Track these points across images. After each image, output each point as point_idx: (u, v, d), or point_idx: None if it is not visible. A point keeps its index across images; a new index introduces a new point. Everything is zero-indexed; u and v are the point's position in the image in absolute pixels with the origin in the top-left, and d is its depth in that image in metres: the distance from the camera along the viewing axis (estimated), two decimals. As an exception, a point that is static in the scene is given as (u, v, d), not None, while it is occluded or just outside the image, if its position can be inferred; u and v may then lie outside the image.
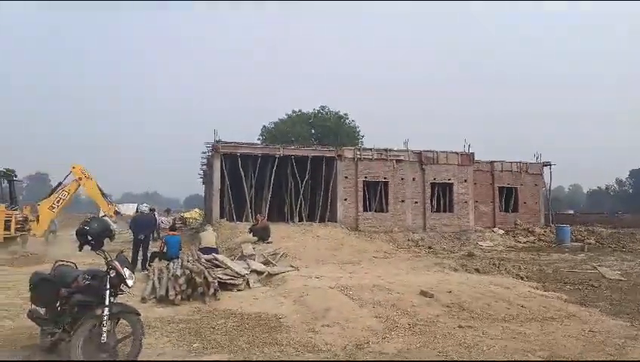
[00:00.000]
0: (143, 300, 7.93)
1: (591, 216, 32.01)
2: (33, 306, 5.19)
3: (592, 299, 8.61)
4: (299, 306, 7.57)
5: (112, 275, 4.63)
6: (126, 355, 4.61)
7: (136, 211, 14.17)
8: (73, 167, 16.30)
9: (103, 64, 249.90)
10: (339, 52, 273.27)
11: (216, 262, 9.54)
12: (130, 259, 7.23)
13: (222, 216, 20.96)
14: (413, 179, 23.16)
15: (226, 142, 21.11)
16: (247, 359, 5.03)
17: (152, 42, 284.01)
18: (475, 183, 24.35)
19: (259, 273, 10.31)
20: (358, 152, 22.68)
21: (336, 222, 21.47)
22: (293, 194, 22.43)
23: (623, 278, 11.22)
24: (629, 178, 65.73)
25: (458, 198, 23.68)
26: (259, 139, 41.41)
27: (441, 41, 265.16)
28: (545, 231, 23.65)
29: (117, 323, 4.76)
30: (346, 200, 22.05)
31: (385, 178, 22.73)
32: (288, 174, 22.36)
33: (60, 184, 16.36)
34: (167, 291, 7.97)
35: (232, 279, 9.01)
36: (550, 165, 26.36)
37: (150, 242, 12.97)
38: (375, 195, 22.85)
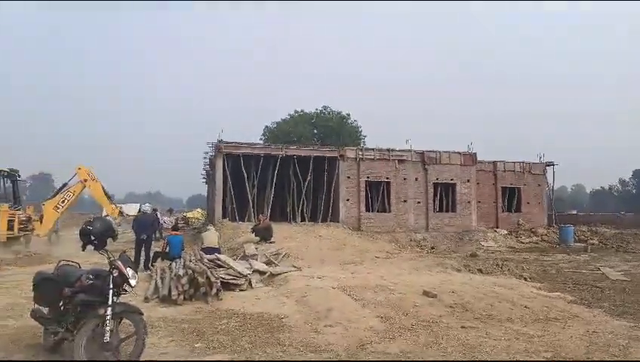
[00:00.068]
0: (146, 300, 7.95)
1: (594, 216, 31.90)
2: (36, 306, 5.21)
3: (595, 300, 8.58)
4: (301, 306, 7.57)
5: (115, 275, 4.64)
6: (129, 355, 4.62)
7: (139, 211, 14.19)
8: (79, 169, 16.29)
9: (103, 64, 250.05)
10: (339, 52, 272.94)
11: (219, 262, 9.54)
12: (132, 259, 7.25)
13: (224, 216, 20.98)
14: (416, 179, 23.12)
15: (229, 142, 21.12)
16: (249, 359, 5.03)
17: (152, 42, 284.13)
18: (477, 183, 24.29)
19: (261, 273, 10.32)
20: (360, 152, 22.66)
21: (338, 222, 21.45)
22: (296, 194, 22.43)
23: (626, 279, 11.18)
24: (633, 178, 65.47)
25: (461, 198, 23.63)
26: (261, 139, 41.42)
27: (441, 41, 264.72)
28: (548, 232, 23.59)
29: (120, 322, 4.78)
30: (348, 200, 22.03)
31: (387, 178, 22.71)
32: (290, 174, 22.36)
33: (65, 185, 16.38)
34: (169, 291, 7.99)
35: (234, 279, 9.02)
36: (553, 165, 26.29)
37: (153, 242, 13.00)
38: (377, 195, 22.82)
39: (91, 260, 7.21)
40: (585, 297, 8.85)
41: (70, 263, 5.36)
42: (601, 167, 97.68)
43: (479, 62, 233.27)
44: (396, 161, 22.78)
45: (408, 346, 5.51)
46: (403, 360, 5.07)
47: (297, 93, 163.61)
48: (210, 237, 12.28)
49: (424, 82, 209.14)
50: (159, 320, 6.55)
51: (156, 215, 19.26)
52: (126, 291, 4.84)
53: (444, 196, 23.75)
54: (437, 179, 23.35)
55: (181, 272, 8.29)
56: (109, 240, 4.96)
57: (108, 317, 4.44)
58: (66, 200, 16.07)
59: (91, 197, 18.36)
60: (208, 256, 9.89)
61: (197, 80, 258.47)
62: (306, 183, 22.06)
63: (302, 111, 42.38)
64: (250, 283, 9.25)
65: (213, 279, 8.15)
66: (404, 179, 22.92)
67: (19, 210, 16.23)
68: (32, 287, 5.20)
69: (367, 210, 22.35)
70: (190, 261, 9.10)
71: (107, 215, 15.55)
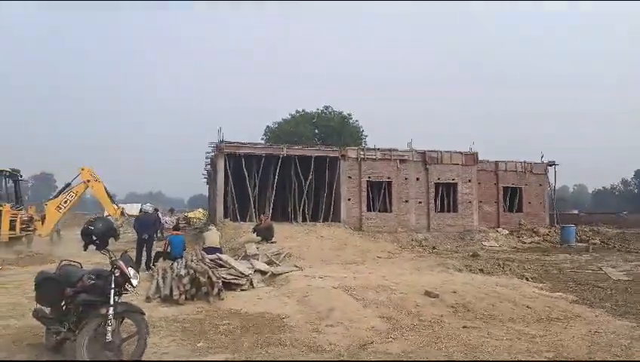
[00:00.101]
0: (148, 299, 7.96)
1: (596, 216, 31.83)
2: (38, 305, 5.21)
3: (597, 300, 8.56)
4: (302, 306, 7.57)
5: (116, 275, 4.65)
6: (131, 354, 4.62)
7: (140, 211, 14.20)
8: (82, 169, 16.30)
9: (103, 64, 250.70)
10: (339, 52, 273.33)
11: (220, 262, 9.55)
12: (134, 259, 7.26)
13: (226, 216, 20.98)
14: (417, 179, 23.11)
15: (230, 142, 21.13)
16: (250, 359, 5.03)
17: (152, 42, 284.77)
18: (479, 183, 24.27)
19: (262, 273, 10.33)
20: (361, 152, 22.65)
21: (339, 222, 21.45)
22: (297, 194, 22.43)
23: (628, 279, 11.15)
24: (635, 178, 65.37)
25: (462, 198, 23.61)
26: (262, 139, 41.45)
27: (441, 41, 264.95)
28: (549, 232, 23.54)
29: (122, 322, 4.79)
30: (349, 200, 22.03)
31: (389, 178, 22.70)
32: (292, 174, 22.36)
33: (68, 185, 16.40)
34: (171, 291, 7.99)
35: (235, 279, 9.02)
36: (555, 165, 26.24)
37: (154, 242, 13.02)
38: (379, 195, 22.81)
39: (93, 260, 7.24)
40: (587, 297, 8.83)
41: (72, 263, 5.37)
42: (602, 167, 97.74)
43: (479, 62, 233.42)
44: (397, 161, 22.76)
45: (410, 346, 5.50)
46: (405, 360, 5.07)
47: (297, 93, 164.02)
48: (212, 237, 12.30)
49: (424, 82, 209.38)
50: (161, 320, 6.56)
51: (157, 215, 19.29)
52: (128, 291, 4.85)
53: (446, 196, 23.73)
54: (438, 179, 23.34)
55: (183, 272, 8.29)
56: (111, 240, 4.96)
57: (110, 317, 4.44)
58: (68, 201, 16.08)
59: (93, 198, 18.37)
60: (210, 256, 9.90)
61: (197, 80, 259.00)
62: (308, 183, 22.06)
63: (303, 111, 42.43)
64: (251, 283, 9.25)
65: (214, 279, 8.16)
66: (406, 179, 22.91)
67: (21, 210, 16.27)
68: (33, 287, 5.21)
69: (369, 209, 22.35)
70: (192, 261, 9.10)
71: (109, 215, 15.58)
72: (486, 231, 23.12)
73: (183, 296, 7.88)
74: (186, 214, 38.77)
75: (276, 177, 21.77)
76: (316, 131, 41.15)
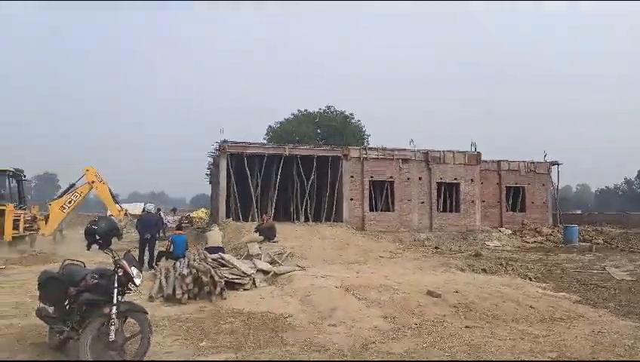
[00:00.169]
0: (151, 299, 7.98)
1: (599, 215, 31.72)
2: (42, 305, 5.23)
3: (600, 300, 8.53)
4: (305, 306, 7.57)
5: (119, 274, 4.66)
6: (134, 353, 4.63)
7: (143, 211, 14.24)
8: (87, 170, 16.33)
9: (103, 64, 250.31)
10: (339, 52, 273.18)
11: (223, 262, 9.55)
12: (137, 259, 7.26)
13: (228, 216, 21.01)
14: (420, 178, 23.09)
15: (233, 142, 21.16)
16: (253, 358, 5.03)
17: (152, 42, 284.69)
18: (481, 183, 24.23)
19: (265, 272, 10.32)
20: (364, 152, 22.65)
21: (342, 221, 21.46)
22: (299, 194, 22.45)
23: (632, 278, 11.11)
24: (638, 178, 65.13)
25: (465, 198, 23.58)
26: (265, 138, 41.48)
27: (441, 41, 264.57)
28: (553, 231, 23.48)
29: (125, 321, 4.79)
30: (352, 199, 22.03)
31: (391, 177, 22.69)
32: (294, 174, 22.37)
33: (72, 185, 16.44)
34: (174, 290, 8.01)
35: (238, 278, 9.02)
36: (558, 164, 26.17)
37: (157, 241, 13.05)
38: (381, 195, 22.81)
39: (96, 259, 7.25)
40: (590, 297, 8.80)
41: (75, 262, 5.39)
42: (602, 167, 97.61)
43: (479, 62, 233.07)
44: (400, 161, 22.75)
45: (412, 346, 5.49)
46: (407, 359, 5.06)
47: (297, 93, 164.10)
48: (214, 236, 12.31)
49: (424, 82, 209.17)
50: (164, 319, 6.58)
51: (160, 214, 19.35)
52: (131, 290, 4.86)
53: (448, 196, 23.70)
54: (441, 178, 23.32)
55: (185, 271, 8.31)
56: (114, 239, 4.97)
57: (113, 316, 4.45)
58: (72, 201, 16.14)
59: (96, 198, 18.42)
60: (212, 256, 9.90)
61: (197, 80, 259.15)
62: (310, 183, 22.07)
63: (305, 110, 42.42)
64: (254, 283, 9.26)
65: (217, 278, 8.17)
66: (408, 178, 22.89)
67: (24, 209, 16.33)
68: (37, 286, 5.23)
69: (371, 209, 22.35)
70: (194, 260, 9.12)
71: (111, 215, 15.62)
72: (489, 230, 23.08)
73: (186, 296, 7.90)
74: (188, 214, 38.86)
75: (278, 177, 21.79)
76: (318, 131, 41.15)
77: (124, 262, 4.75)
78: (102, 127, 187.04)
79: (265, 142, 35.13)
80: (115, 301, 4.52)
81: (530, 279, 10.84)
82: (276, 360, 5.01)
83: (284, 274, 10.40)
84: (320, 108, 42.56)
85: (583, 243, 20.54)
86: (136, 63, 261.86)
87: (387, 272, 10.98)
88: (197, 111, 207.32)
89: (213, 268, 8.57)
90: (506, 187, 25.23)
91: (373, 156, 22.52)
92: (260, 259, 11.77)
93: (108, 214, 15.69)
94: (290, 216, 22.73)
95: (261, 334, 5.95)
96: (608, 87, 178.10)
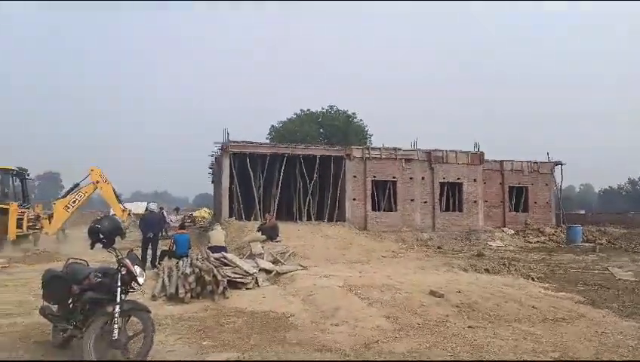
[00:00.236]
0: (154, 298, 8.00)
1: (602, 216, 31.59)
2: (45, 303, 5.25)
3: (603, 300, 8.50)
4: (308, 305, 7.57)
5: (123, 273, 4.68)
6: (137, 352, 4.64)
7: (146, 210, 14.27)
8: (92, 170, 16.38)
9: (103, 64, 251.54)
10: (339, 52, 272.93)
11: (225, 261, 9.56)
12: (140, 258, 7.29)
13: (231, 215, 21.04)
14: (422, 178, 23.06)
15: (235, 142, 21.17)
16: (256, 358, 5.04)
17: (152, 42, 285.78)
18: (484, 183, 24.18)
19: (267, 272, 10.33)
20: (366, 152, 22.63)
21: (344, 221, 21.45)
22: (302, 194, 22.45)
23: (635, 279, 11.06)
24: (642, 178, 64.88)
25: (467, 198, 23.54)
26: (267, 138, 41.49)
27: (441, 41, 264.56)
28: (556, 231, 23.41)
29: (128, 320, 4.81)
30: (354, 199, 22.02)
31: (394, 177, 22.66)
32: (297, 173, 22.38)
33: (77, 185, 16.49)
34: (176, 289, 8.03)
35: (240, 277, 9.04)
36: (561, 164, 26.09)
37: (159, 240, 13.08)
38: (384, 195, 22.79)
39: (99, 258, 7.28)
40: (593, 297, 8.77)
41: (79, 261, 5.41)
42: (602, 167, 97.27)
43: (479, 62, 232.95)
44: (403, 161, 22.73)
45: (415, 346, 5.49)
46: (410, 359, 5.06)
47: (297, 93, 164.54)
48: (217, 235, 12.32)
49: (424, 82, 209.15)
50: (166, 318, 6.59)
51: (163, 214, 19.39)
52: (134, 289, 4.88)
53: (451, 195, 23.66)
54: (443, 178, 23.28)
55: (188, 271, 8.33)
56: (117, 238, 4.99)
57: (116, 315, 4.47)
58: (77, 201, 16.18)
59: (100, 197, 18.48)
60: (215, 255, 9.92)
61: (197, 80, 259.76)
62: (312, 182, 22.07)
63: (308, 110, 42.38)
64: (256, 282, 9.27)
65: (219, 277, 8.18)
66: (411, 178, 22.87)
67: (28, 208, 16.39)
68: (41, 285, 5.26)
69: (374, 209, 22.34)
70: (197, 259, 9.14)
71: (114, 214, 15.66)
72: (492, 230, 23.04)
73: (189, 295, 7.91)
74: (191, 213, 38.92)
75: (281, 176, 21.79)
76: (321, 130, 41.11)
77: (128, 260, 4.77)
78: (102, 127, 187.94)
79: (267, 141, 35.15)
80: (118, 300, 4.54)
81: (532, 279, 10.82)
82: (279, 359, 5.01)
83: (286, 273, 10.41)
84: (322, 108, 42.54)
85: (586, 244, 20.48)
86: (136, 63, 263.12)
87: (390, 272, 10.98)
88: (197, 111, 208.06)
89: (215, 267, 8.59)
90: (509, 187, 25.18)
91: (376, 156, 22.50)
92: (263, 258, 11.77)
93: (111, 214, 15.73)
94: (292, 216, 22.74)
95: (264, 333, 5.96)
96: (608, 87, 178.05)
